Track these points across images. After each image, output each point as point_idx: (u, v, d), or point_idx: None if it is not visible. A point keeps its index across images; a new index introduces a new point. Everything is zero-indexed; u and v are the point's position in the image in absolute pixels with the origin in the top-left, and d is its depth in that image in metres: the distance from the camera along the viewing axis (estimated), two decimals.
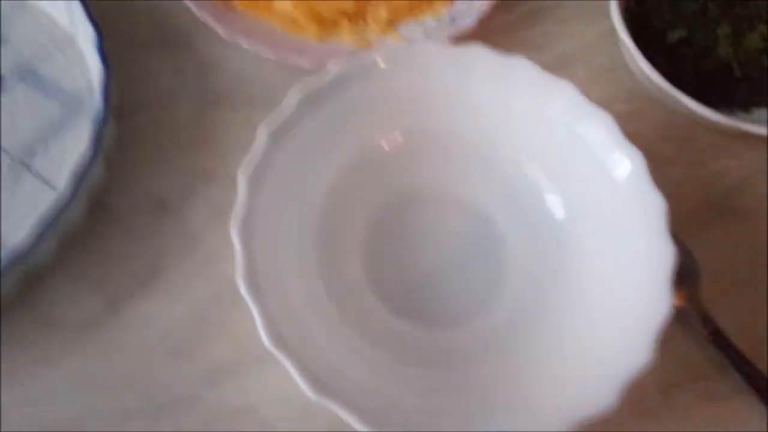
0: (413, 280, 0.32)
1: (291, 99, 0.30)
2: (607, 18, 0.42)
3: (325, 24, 0.39)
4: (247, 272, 0.26)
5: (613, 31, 0.39)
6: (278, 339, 0.25)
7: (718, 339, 0.32)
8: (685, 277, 0.32)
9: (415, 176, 0.34)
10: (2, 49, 0.38)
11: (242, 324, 0.30)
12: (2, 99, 0.36)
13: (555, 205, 0.33)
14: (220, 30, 0.37)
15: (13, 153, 0.34)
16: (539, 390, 0.27)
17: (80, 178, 0.31)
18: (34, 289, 0.32)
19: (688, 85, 0.37)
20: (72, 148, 0.34)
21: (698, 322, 0.32)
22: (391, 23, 0.39)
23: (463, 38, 0.38)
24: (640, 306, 0.27)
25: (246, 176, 0.28)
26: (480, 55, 0.32)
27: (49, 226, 0.30)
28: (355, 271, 0.31)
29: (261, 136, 0.29)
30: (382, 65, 0.32)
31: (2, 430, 0.29)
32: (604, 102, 0.39)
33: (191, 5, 0.37)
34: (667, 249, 0.28)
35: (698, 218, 0.37)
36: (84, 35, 0.36)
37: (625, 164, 0.29)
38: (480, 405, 0.27)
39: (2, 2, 0.39)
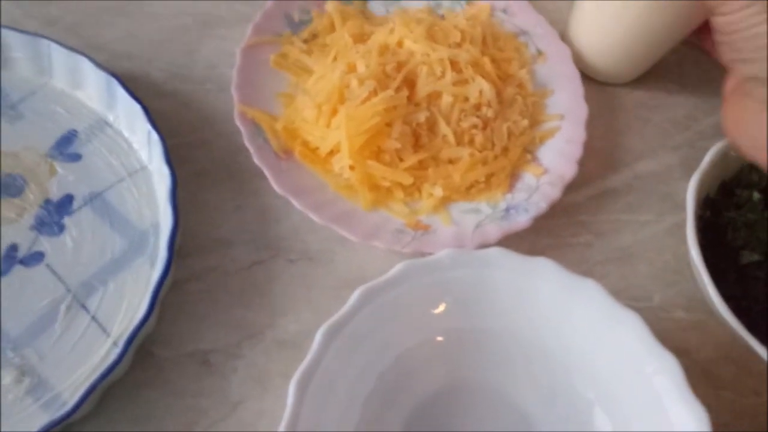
0: None
1: (352, 300, 0.30)
2: (678, 211, 0.42)
3: (379, 192, 0.39)
4: None
5: (682, 226, 0.38)
6: None
7: None
8: None
9: (463, 373, 0.33)
10: (74, 165, 0.39)
11: None
12: (68, 221, 0.37)
13: (602, 425, 0.32)
14: (273, 184, 0.37)
15: (73, 288, 0.35)
16: None
17: (137, 334, 0.31)
18: None
19: (757, 305, 0.36)
20: (130, 293, 0.35)
21: None
22: (445, 202, 0.39)
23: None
24: None
25: (297, 384, 0.27)
26: (547, 270, 0.31)
27: (97, 385, 0.30)
28: None
29: (317, 342, 0.28)
30: (447, 266, 0.31)
31: None
32: (663, 307, 0.39)
33: (252, 151, 0.37)
34: None
35: None
36: (158, 172, 0.37)
37: (684, 412, 0.28)
38: None
39: (82, 117, 0.40)
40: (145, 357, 0.34)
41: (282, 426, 0.27)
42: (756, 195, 0.37)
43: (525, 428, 0.32)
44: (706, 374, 0.37)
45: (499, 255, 0.32)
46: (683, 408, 0.28)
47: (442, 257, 0.32)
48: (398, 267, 0.31)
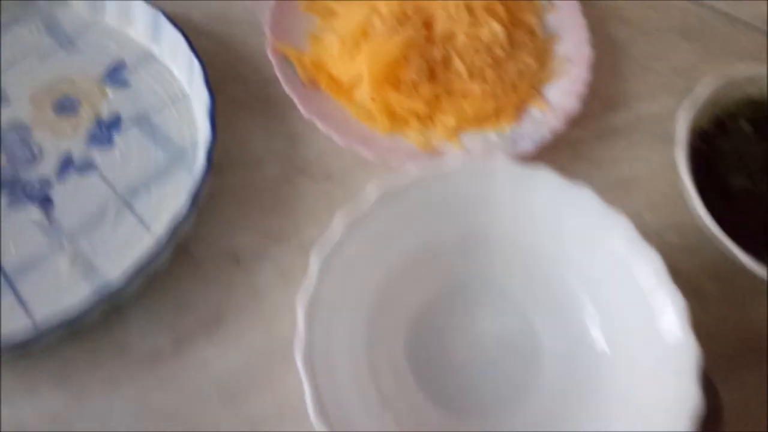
0: (451, 369, 0.34)
1: (370, 193, 0.33)
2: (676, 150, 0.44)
3: (396, 120, 0.42)
4: (306, 350, 0.29)
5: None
6: (323, 414, 0.27)
7: None
8: (708, 413, 0.33)
9: (466, 274, 0.37)
10: (123, 90, 0.43)
11: (288, 381, 0.33)
12: (119, 140, 0.41)
13: (593, 327, 0.35)
14: (300, 108, 0.41)
15: (120, 191, 0.39)
16: None
17: (176, 229, 0.35)
18: (112, 319, 0.36)
19: (745, 231, 0.38)
20: (171, 196, 0.39)
21: None
22: (456, 131, 0.43)
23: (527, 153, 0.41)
24: None
25: (318, 260, 0.31)
26: (546, 177, 0.35)
27: (141, 269, 0.34)
28: (399, 356, 0.34)
29: (337, 225, 0.32)
30: (457, 173, 0.35)
31: None
32: (657, 232, 0.42)
33: (282, 81, 0.42)
34: (693, 395, 0.29)
35: (732, 360, 0.38)
36: (198, 97, 0.41)
37: (667, 307, 0.31)
38: None
39: (131, 50, 0.44)
40: (183, 254, 0.38)
41: (305, 293, 0.30)
42: (745, 124, 0.40)
43: (524, 322, 0.36)
44: (694, 290, 0.39)
45: (503, 164, 0.35)
46: (664, 298, 0.31)
47: (452, 164, 0.35)
48: (409, 171, 0.34)
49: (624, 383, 0.32)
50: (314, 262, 0.31)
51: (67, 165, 0.40)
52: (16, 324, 0.34)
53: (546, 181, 0.35)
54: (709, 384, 0.34)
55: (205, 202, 0.39)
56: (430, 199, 0.35)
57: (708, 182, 0.40)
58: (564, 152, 0.44)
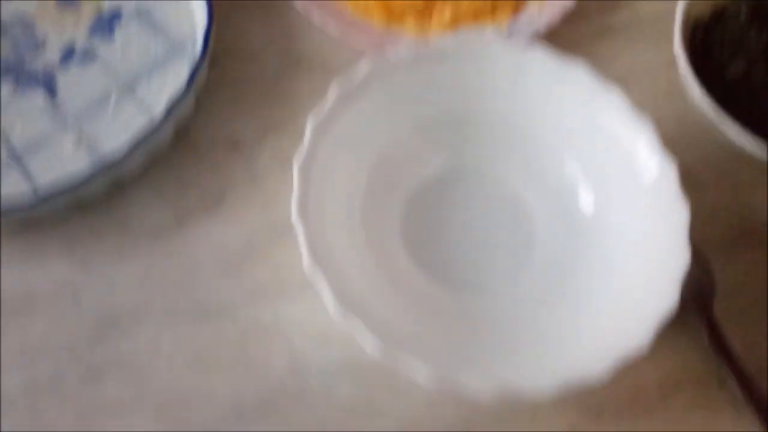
0: (447, 245, 0.35)
1: (361, 68, 0.33)
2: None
3: (393, 15, 0.42)
4: (300, 204, 0.30)
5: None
6: (316, 263, 0.28)
7: (723, 352, 0.33)
8: (701, 290, 0.34)
9: (460, 151, 0.37)
10: None
11: (286, 256, 0.34)
12: (119, 32, 0.42)
13: (586, 200, 0.35)
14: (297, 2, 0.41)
15: (121, 80, 0.40)
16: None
17: (173, 108, 0.36)
18: (117, 197, 0.37)
19: (742, 118, 0.38)
20: (170, 84, 0.39)
21: (705, 333, 0.34)
22: (453, 25, 0.42)
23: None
24: (649, 297, 0.30)
25: (312, 125, 0.32)
26: (540, 55, 0.35)
27: (140, 143, 0.35)
28: (395, 228, 0.35)
29: (331, 95, 0.33)
30: (450, 52, 0.35)
31: (78, 302, 0.34)
32: (656, 123, 0.42)
33: None
34: (681, 255, 0.30)
35: (726, 244, 0.38)
36: None
37: (657, 168, 0.32)
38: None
39: None
40: (184, 140, 0.39)
41: (300, 154, 0.31)
42: (742, 13, 0.40)
43: (518, 201, 0.36)
44: (692, 179, 0.39)
45: (496, 43, 0.35)
46: (654, 161, 0.32)
47: (445, 43, 0.35)
48: (403, 49, 0.35)
49: (617, 251, 0.33)
50: (309, 127, 0.32)
51: (69, 54, 0.40)
52: (24, 193, 0.35)
53: (540, 59, 0.35)
54: (702, 259, 0.34)
55: (204, 88, 0.39)
56: (423, 78, 0.36)
57: (706, 71, 0.40)
58: (563, 50, 0.44)
